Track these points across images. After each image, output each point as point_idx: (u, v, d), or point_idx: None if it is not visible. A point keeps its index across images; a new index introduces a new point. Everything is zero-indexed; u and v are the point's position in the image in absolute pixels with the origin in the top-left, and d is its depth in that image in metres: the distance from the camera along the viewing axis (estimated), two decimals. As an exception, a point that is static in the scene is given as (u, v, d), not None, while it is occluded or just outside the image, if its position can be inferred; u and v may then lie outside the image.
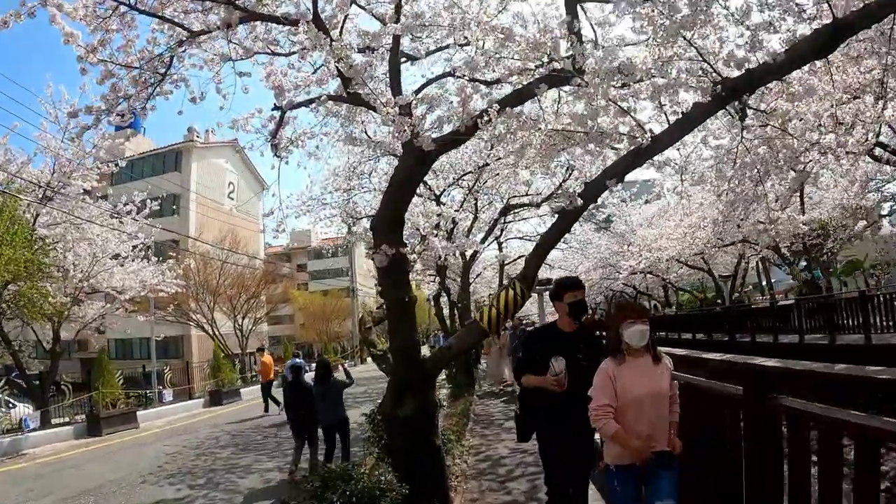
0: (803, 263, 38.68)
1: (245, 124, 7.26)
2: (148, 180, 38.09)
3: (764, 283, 42.37)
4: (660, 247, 28.41)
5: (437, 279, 18.07)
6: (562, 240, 24.87)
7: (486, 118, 5.38)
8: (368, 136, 14.18)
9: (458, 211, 15.59)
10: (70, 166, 18.43)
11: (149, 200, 21.97)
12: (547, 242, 6.41)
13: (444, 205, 15.04)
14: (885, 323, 17.11)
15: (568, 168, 16.33)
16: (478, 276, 29.61)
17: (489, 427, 12.28)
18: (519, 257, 26.81)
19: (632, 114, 5.66)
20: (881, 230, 30.63)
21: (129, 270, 22.32)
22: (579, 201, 5.79)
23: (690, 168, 14.20)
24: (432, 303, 27.24)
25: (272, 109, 7.26)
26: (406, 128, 5.51)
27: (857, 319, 17.94)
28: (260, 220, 50.86)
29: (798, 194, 20.63)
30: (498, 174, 15.47)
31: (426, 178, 14.85)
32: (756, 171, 10.47)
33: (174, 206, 48.03)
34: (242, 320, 43.05)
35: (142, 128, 58.14)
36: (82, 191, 19.11)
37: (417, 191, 16.09)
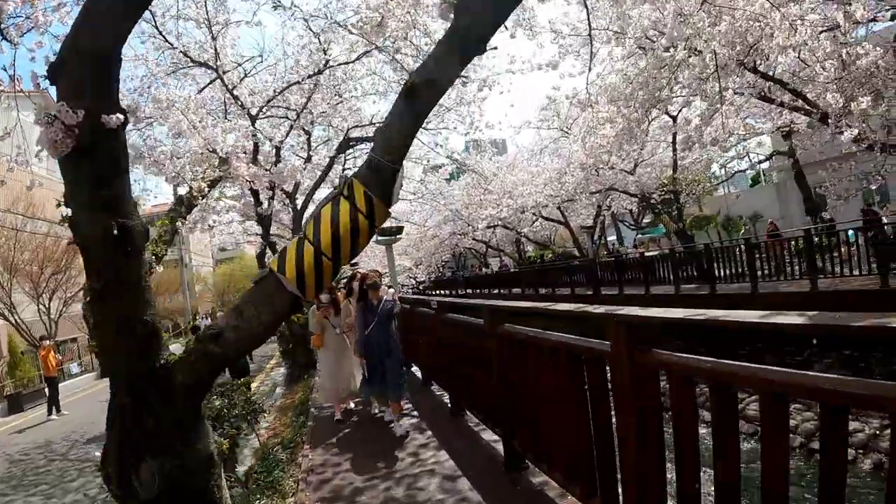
0: (647, 220, 38.89)
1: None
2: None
3: (612, 238, 42.24)
4: (521, 193, 26.32)
5: (260, 231, 14.13)
6: (409, 191, 21.85)
7: None
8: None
9: (283, 140, 12.04)
10: None
11: None
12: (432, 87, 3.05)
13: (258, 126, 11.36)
14: (768, 271, 16.84)
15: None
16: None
17: (337, 431, 8.68)
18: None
19: None
20: (717, 190, 32.80)
21: None
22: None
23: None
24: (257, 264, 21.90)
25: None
26: None
27: (735, 269, 17.69)
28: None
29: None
30: (338, 93, 12.09)
31: (234, 90, 11.19)
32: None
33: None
34: (49, 301, 36.07)
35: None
36: None
37: (212, 95, 12.86)
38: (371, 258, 30.99)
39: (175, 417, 3.24)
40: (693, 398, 2.98)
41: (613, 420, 3.64)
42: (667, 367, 3.04)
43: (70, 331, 39.14)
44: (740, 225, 34.65)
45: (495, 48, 7.44)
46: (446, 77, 3.24)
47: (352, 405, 9.77)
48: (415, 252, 37.90)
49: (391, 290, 9.53)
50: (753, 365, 2.49)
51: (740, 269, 17.24)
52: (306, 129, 14.19)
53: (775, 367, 2.42)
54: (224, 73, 11.34)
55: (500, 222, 31.10)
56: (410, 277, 35.28)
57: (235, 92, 11.48)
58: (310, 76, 11.15)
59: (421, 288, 36.90)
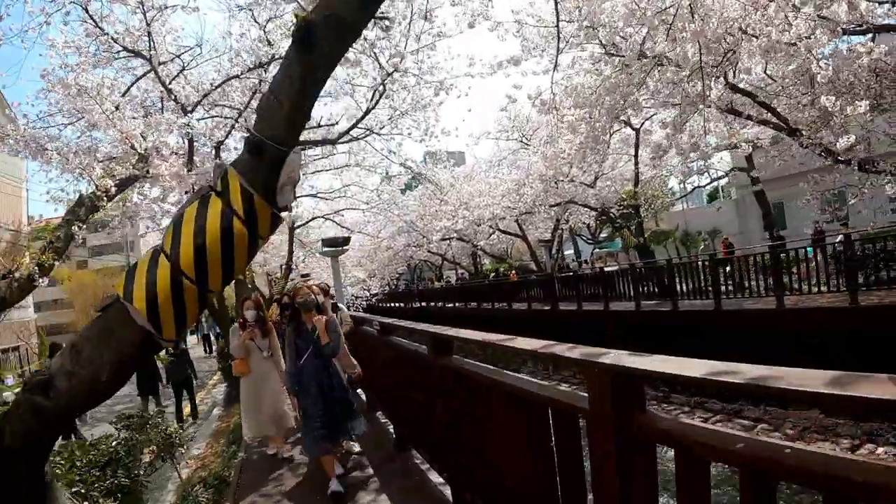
0: (604, 234, 38.61)
1: None
2: None
3: (570, 252, 41.86)
4: (478, 205, 25.58)
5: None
6: (362, 201, 20.95)
7: None
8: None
9: (223, 139, 11.07)
10: None
11: None
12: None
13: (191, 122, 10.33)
14: (731, 288, 16.51)
15: (377, 90, 12.29)
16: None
17: (269, 466, 7.59)
18: (312, 219, 22.49)
19: None
20: (675, 206, 32.84)
21: None
22: None
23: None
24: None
25: None
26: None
27: (696, 285, 17.14)
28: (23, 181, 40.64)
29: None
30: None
31: (170, 84, 10.22)
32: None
33: None
34: (-12, 308, 33.84)
35: None
36: None
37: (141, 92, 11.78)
38: (325, 269, 29.79)
39: (8, 490, 2.35)
40: (707, 480, 2.11)
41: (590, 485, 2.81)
42: (672, 438, 2.18)
43: (9, 339, 37.24)
44: (699, 240, 34.53)
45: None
46: (356, 13, 2.32)
47: (286, 450, 7.91)
48: (369, 263, 36.92)
49: (333, 309, 7.99)
50: (818, 451, 1.68)
51: (702, 286, 16.80)
52: (250, 129, 13.19)
53: (857, 458, 1.58)
54: (160, 63, 10.35)
55: (455, 234, 30.28)
56: (364, 289, 34.21)
57: (172, 85, 10.50)
58: (250, 69, 10.19)
59: (374, 300, 36.10)
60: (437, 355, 4.89)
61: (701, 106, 8.94)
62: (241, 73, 10.34)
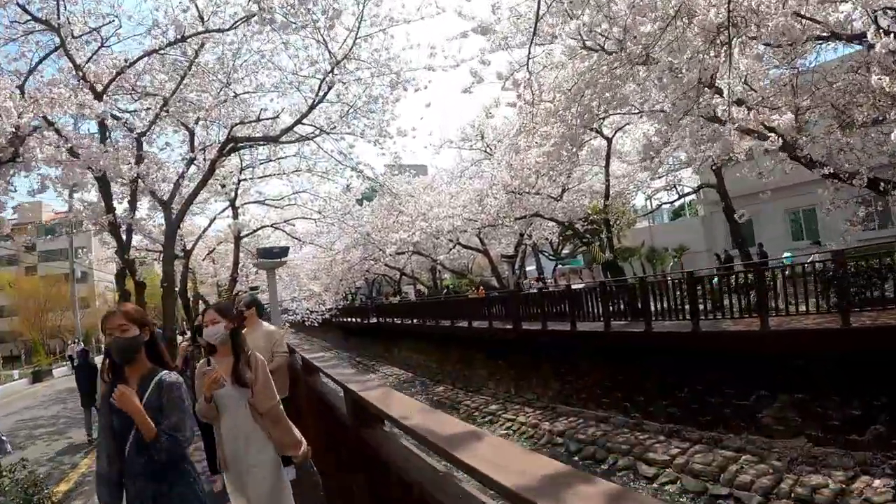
0: (566, 251, 37.71)
1: None
2: None
3: (531, 268, 41.02)
4: (437, 216, 24.28)
5: (115, 243, 11.40)
6: (315, 210, 19.40)
7: None
8: None
9: (146, 131, 9.63)
10: None
11: None
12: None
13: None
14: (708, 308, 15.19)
15: (325, 81, 10.96)
16: (211, 251, 23.33)
17: None
18: (260, 228, 21.05)
19: None
20: (637, 222, 32.16)
21: None
22: None
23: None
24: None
25: None
26: None
27: (670, 304, 15.82)
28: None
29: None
30: (227, 83, 9.90)
31: (81, 59, 8.79)
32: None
33: None
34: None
35: None
36: None
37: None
38: (278, 281, 28.12)
39: None
40: None
41: None
42: None
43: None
44: (666, 257, 33.72)
45: None
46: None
47: None
48: (324, 276, 35.41)
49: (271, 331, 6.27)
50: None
51: (677, 305, 15.60)
52: (186, 123, 11.76)
53: None
54: (72, 37, 8.89)
55: (412, 247, 28.85)
56: (319, 304, 32.65)
57: (86, 63, 9.06)
58: (170, 44, 8.72)
59: (329, 315, 34.69)
60: (360, 425, 3.46)
61: (723, 74, 7.72)
62: (162, 48, 8.89)
